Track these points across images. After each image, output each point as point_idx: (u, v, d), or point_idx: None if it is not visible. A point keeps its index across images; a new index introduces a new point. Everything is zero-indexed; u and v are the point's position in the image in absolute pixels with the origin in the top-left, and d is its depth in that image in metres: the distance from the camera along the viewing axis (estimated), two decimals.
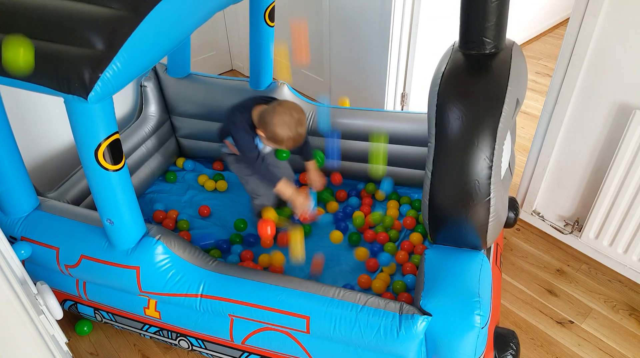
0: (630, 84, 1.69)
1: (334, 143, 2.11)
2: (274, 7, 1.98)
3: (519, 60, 1.40)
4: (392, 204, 2.20)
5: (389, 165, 2.21)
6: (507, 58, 1.36)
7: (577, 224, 2.09)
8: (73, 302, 1.81)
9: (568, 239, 2.16)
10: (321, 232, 2.10)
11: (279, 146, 1.75)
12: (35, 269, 1.71)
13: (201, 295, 1.52)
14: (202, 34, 3.24)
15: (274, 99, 1.86)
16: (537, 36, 3.89)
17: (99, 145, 1.30)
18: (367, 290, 1.84)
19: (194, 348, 1.70)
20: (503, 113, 1.29)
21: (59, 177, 2.14)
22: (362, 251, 1.95)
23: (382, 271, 1.89)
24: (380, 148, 1.99)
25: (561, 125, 1.93)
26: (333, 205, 2.21)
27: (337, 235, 2.04)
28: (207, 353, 1.71)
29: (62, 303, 1.82)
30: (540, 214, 2.21)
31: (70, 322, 1.91)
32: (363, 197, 2.27)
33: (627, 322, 1.87)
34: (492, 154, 1.31)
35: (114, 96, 1.27)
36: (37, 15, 1.23)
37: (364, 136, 2.14)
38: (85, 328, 1.88)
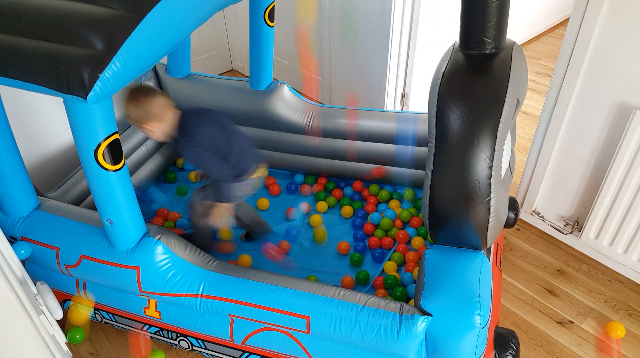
0: (630, 84, 1.68)
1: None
2: (273, 7, 1.98)
3: (520, 60, 1.40)
4: (395, 204, 2.20)
5: (389, 165, 2.21)
6: (508, 58, 1.36)
7: (577, 224, 2.09)
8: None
9: (568, 239, 2.16)
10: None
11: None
12: (35, 269, 1.70)
13: (201, 295, 1.52)
14: (202, 34, 3.24)
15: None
16: (537, 36, 3.89)
17: (99, 145, 1.30)
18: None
19: (194, 348, 1.70)
20: (503, 113, 1.29)
21: (59, 177, 2.14)
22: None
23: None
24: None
25: (561, 125, 1.92)
26: (347, 209, 2.20)
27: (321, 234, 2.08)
28: (207, 354, 1.71)
29: (62, 303, 1.82)
30: (540, 215, 2.21)
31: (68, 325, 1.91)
32: (366, 197, 2.28)
33: (627, 322, 1.87)
34: (493, 154, 1.30)
35: (113, 96, 1.27)
36: (37, 15, 1.23)
37: (364, 136, 2.14)
38: (78, 337, 1.82)
